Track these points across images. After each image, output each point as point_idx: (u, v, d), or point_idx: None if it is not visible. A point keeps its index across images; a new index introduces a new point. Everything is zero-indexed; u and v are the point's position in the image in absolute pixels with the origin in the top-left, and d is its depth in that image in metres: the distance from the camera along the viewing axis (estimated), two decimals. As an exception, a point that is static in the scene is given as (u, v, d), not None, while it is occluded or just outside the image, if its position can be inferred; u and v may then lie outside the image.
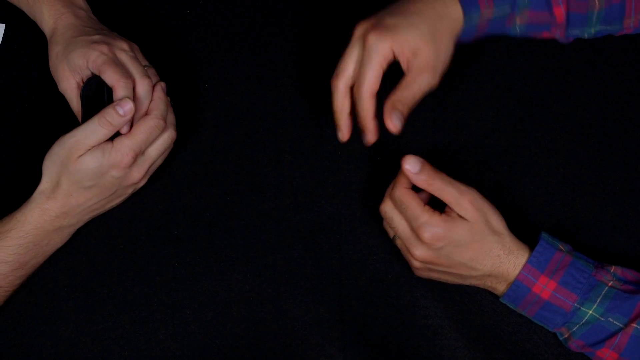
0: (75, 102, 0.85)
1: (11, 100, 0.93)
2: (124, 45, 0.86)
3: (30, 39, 0.96)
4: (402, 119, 0.77)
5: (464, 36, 0.82)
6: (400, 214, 0.77)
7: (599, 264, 0.77)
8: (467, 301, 0.82)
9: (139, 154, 0.80)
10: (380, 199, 0.87)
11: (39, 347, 0.81)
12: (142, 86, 0.83)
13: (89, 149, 0.78)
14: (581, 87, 0.90)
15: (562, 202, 0.86)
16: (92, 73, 0.84)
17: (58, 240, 0.83)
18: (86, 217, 0.83)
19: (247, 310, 0.83)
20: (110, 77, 0.81)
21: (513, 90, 0.92)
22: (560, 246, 0.76)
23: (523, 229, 0.80)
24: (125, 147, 0.79)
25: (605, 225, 0.85)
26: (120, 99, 0.79)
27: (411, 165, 0.76)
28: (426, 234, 0.74)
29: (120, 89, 0.81)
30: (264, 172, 0.89)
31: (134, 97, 0.82)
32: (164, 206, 0.88)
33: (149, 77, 0.84)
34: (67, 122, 0.91)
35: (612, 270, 0.76)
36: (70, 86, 0.84)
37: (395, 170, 0.88)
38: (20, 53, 0.95)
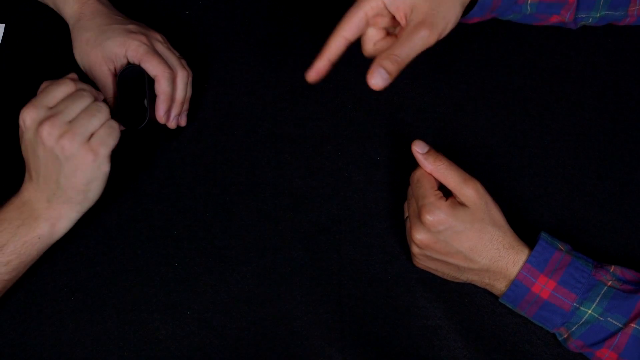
0: (108, 89, 0.86)
1: (11, 100, 0.93)
2: (158, 36, 0.88)
3: (31, 40, 0.96)
4: (387, 77, 0.73)
5: (478, 12, 0.80)
6: (415, 193, 0.78)
7: (599, 264, 0.77)
8: (467, 302, 0.82)
9: (41, 108, 0.76)
10: (380, 199, 0.87)
11: (39, 347, 0.81)
12: (182, 77, 0.86)
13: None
14: (581, 87, 0.90)
15: (562, 202, 0.86)
16: (128, 62, 0.85)
17: (34, 224, 0.78)
18: (54, 199, 0.78)
19: (247, 310, 0.83)
20: (155, 68, 0.83)
21: (513, 90, 0.92)
22: (560, 246, 0.77)
23: (523, 228, 0.80)
24: (27, 105, 0.77)
25: (604, 225, 0.85)
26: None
27: (419, 147, 0.77)
28: (428, 215, 0.75)
29: (163, 79, 0.83)
30: (264, 172, 0.89)
31: (174, 88, 0.85)
32: (163, 206, 0.88)
33: (186, 68, 0.87)
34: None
35: (611, 270, 0.76)
36: (103, 73, 0.85)
37: (394, 170, 0.88)
38: (20, 53, 0.95)
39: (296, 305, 0.83)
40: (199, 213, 0.87)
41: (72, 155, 0.76)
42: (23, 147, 0.79)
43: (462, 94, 0.92)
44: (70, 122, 0.76)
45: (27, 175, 0.80)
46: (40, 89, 0.80)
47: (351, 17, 0.76)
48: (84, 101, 0.77)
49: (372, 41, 0.79)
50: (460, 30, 0.95)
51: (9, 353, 0.81)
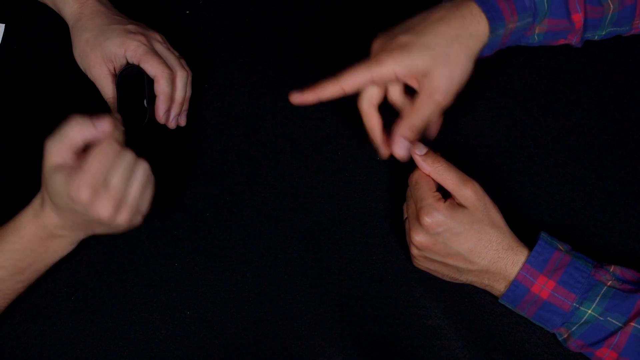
0: (108, 89, 0.86)
1: (11, 100, 0.93)
2: (157, 36, 0.88)
3: (30, 39, 0.96)
4: (410, 145, 0.79)
5: (487, 50, 0.80)
6: (413, 194, 0.78)
7: (598, 264, 0.77)
8: (467, 301, 0.82)
9: (99, 188, 0.70)
10: (380, 199, 0.87)
11: (39, 347, 0.81)
12: (181, 78, 0.86)
13: (56, 167, 0.70)
14: (581, 88, 0.90)
15: (562, 202, 0.86)
16: (127, 62, 0.85)
17: (57, 247, 0.78)
18: (80, 233, 0.78)
19: (247, 310, 0.83)
20: (154, 68, 0.83)
21: (513, 91, 0.92)
22: (559, 246, 0.77)
23: (523, 229, 0.80)
24: (80, 182, 0.69)
25: (604, 225, 0.85)
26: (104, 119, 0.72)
27: (418, 148, 0.78)
28: (427, 217, 0.75)
29: (163, 79, 0.83)
30: (264, 172, 0.89)
31: (173, 88, 0.85)
32: (163, 206, 0.88)
33: (185, 68, 0.87)
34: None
35: (611, 270, 0.76)
36: (102, 73, 0.85)
37: (394, 170, 0.88)
38: (20, 53, 0.95)
39: (296, 305, 0.83)
40: (199, 213, 0.87)
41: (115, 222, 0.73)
42: (51, 192, 0.72)
43: (462, 94, 0.92)
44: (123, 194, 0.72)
45: (47, 201, 0.74)
46: (68, 127, 0.71)
47: (357, 75, 0.76)
48: (142, 175, 0.73)
49: (370, 102, 0.80)
50: (460, 30, 0.95)
51: (9, 353, 0.81)
